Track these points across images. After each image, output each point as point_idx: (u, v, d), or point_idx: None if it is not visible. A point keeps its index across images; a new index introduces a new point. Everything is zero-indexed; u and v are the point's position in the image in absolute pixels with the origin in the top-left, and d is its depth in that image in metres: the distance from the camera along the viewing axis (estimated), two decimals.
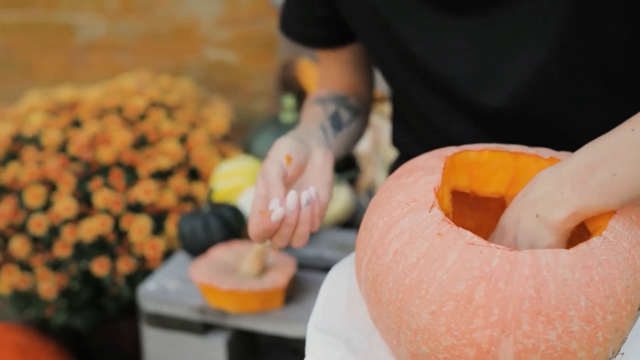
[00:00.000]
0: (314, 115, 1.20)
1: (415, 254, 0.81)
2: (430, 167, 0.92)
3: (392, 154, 2.00)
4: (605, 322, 0.76)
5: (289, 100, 2.15)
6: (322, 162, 1.06)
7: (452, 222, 0.82)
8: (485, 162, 0.97)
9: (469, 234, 0.80)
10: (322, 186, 1.04)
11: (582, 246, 0.79)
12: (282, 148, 1.03)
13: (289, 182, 1.02)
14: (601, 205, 0.83)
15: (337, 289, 1.05)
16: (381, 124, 2.06)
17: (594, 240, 0.80)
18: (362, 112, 1.30)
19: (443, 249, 0.80)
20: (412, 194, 0.87)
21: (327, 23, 1.21)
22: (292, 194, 0.98)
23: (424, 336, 0.80)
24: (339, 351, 0.93)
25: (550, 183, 0.86)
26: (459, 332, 0.77)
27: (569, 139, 1.03)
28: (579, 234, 0.93)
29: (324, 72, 1.32)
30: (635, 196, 0.84)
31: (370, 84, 1.35)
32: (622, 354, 0.84)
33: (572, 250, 0.78)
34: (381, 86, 2.01)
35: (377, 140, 2.07)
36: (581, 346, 0.75)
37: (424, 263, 0.80)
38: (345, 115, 1.23)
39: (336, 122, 1.20)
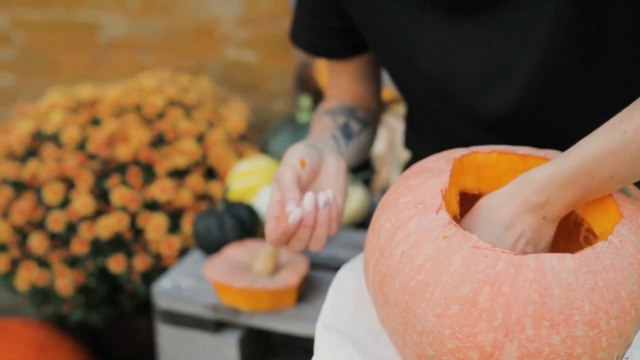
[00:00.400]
0: (324, 126, 1.20)
1: (421, 256, 0.81)
2: (438, 169, 0.92)
3: (406, 154, 2.00)
4: (609, 327, 0.76)
5: (305, 100, 2.15)
6: (335, 168, 1.06)
7: (458, 225, 0.82)
8: (494, 164, 0.97)
9: (474, 237, 0.80)
10: (337, 192, 1.04)
11: (587, 251, 0.79)
12: (296, 153, 1.03)
13: (303, 187, 1.02)
14: (595, 197, 0.88)
15: (345, 289, 1.05)
16: (396, 124, 2.06)
17: (599, 245, 0.80)
18: (370, 123, 1.29)
19: (449, 252, 0.80)
20: (420, 196, 0.88)
21: (338, 33, 1.21)
22: (309, 195, 0.98)
23: (429, 338, 0.80)
24: (347, 350, 0.93)
25: (550, 189, 0.87)
26: (464, 335, 0.77)
27: (574, 139, 1.03)
28: (586, 237, 0.93)
29: (333, 83, 1.31)
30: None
31: (378, 95, 1.34)
32: (627, 358, 0.85)
33: (577, 254, 0.78)
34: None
35: (392, 140, 2.07)
36: (585, 351, 0.75)
37: (430, 266, 0.80)
38: (355, 126, 1.23)
39: (347, 132, 1.20)
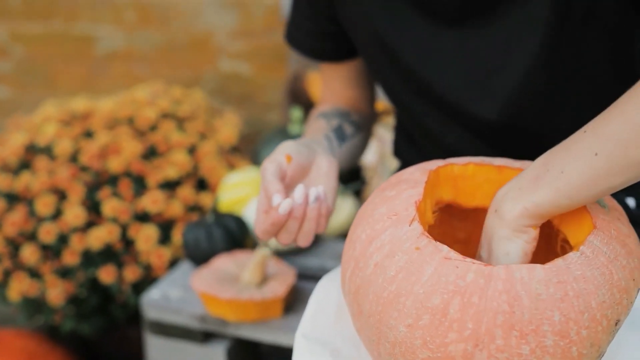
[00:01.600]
0: (318, 127, 1.20)
1: (394, 267, 0.81)
2: (414, 180, 0.92)
3: (396, 163, 2.00)
4: (580, 337, 0.76)
5: (297, 112, 2.16)
6: (327, 168, 1.04)
7: (430, 237, 0.82)
8: (470, 175, 0.97)
9: (445, 248, 0.80)
10: (328, 191, 1.03)
11: (557, 261, 0.79)
12: (284, 149, 1.02)
13: (290, 182, 1.01)
14: (552, 203, 0.83)
15: (326, 299, 1.05)
16: (387, 136, 2.06)
17: (570, 255, 0.79)
18: (364, 127, 1.30)
19: (420, 263, 0.80)
20: (394, 207, 0.88)
21: (333, 36, 1.22)
22: (299, 188, 0.97)
23: (401, 349, 0.80)
24: (325, 359, 0.93)
25: (513, 181, 0.87)
26: (435, 345, 0.77)
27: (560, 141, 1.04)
28: (562, 247, 0.93)
29: (327, 86, 1.32)
30: (584, 195, 0.83)
31: (372, 99, 1.35)
32: None
33: (548, 265, 0.78)
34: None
35: (382, 151, 2.07)
36: None
37: (402, 277, 0.80)
38: (348, 129, 1.23)
39: (340, 135, 1.20)
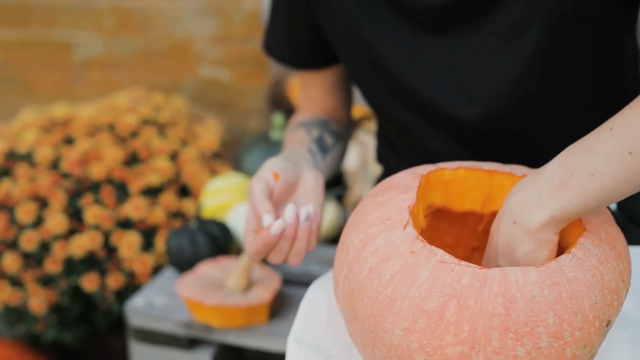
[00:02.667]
0: (299, 139, 1.20)
1: (389, 271, 0.81)
2: (405, 185, 0.92)
3: (378, 169, 2.01)
4: (574, 338, 0.77)
5: (278, 118, 2.16)
6: (313, 183, 1.04)
7: (425, 241, 0.83)
8: (461, 180, 0.98)
9: (440, 252, 0.81)
10: (316, 207, 1.03)
11: (550, 264, 0.79)
12: (270, 167, 1.02)
13: (278, 200, 1.01)
14: (580, 208, 0.81)
15: (317, 303, 1.05)
16: (368, 140, 2.07)
17: (563, 258, 0.80)
18: (343, 136, 1.30)
19: (415, 267, 0.80)
20: (387, 212, 0.88)
21: (312, 45, 1.22)
22: (290, 207, 0.97)
23: (397, 352, 0.80)
24: None
25: (528, 188, 0.83)
26: (431, 348, 0.77)
27: (545, 152, 1.04)
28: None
29: (305, 94, 1.31)
30: (615, 197, 0.81)
31: (349, 107, 1.35)
32: None
33: (541, 267, 0.79)
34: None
35: (364, 156, 2.08)
36: None
37: (398, 280, 0.80)
38: (329, 139, 1.23)
39: (322, 146, 1.20)
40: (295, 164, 1.06)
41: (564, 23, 0.96)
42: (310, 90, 1.30)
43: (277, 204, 1.02)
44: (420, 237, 0.83)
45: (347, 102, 1.34)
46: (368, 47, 1.09)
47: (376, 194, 0.94)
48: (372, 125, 2.11)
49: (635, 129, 0.79)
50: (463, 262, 0.79)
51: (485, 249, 0.94)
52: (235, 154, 2.38)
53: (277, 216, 0.98)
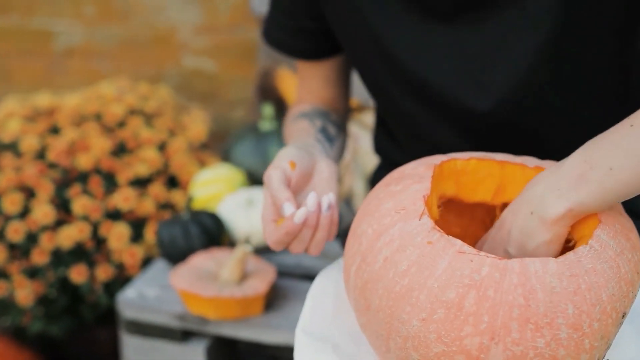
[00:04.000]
0: (304, 129, 1.19)
1: (405, 261, 0.81)
2: (419, 175, 0.92)
3: (370, 162, 2.01)
4: (592, 330, 0.77)
5: (268, 109, 2.15)
6: (328, 173, 1.03)
7: (442, 231, 0.83)
8: (472, 170, 0.97)
9: (459, 242, 0.81)
10: None
11: (569, 255, 0.80)
12: (286, 156, 1.01)
13: (295, 189, 1.00)
14: (598, 202, 0.83)
15: (324, 295, 1.05)
16: (359, 132, 2.07)
17: (581, 249, 0.81)
18: (343, 127, 1.29)
19: (433, 257, 0.80)
20: (402, 202, 0.88)
21: (313, 34, 1.21)
22: (312, 195, 0.96)
23: (414, 343, 0.80)
24: (328, 355, 0.93)
25: (549, 180, 0.85)
26: (449, 339, 0.77)
27: (553, 145, 1.05)
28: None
29: (304, 85, 1.31)
30: (633, 192, 0.83)
31: (347, 99, 1.34)
32: None
33: (560, 258, 0.79)
34: (358, 95, 2.02)
35: (355, 149, 2.08)
36: (568, 353, 0.76)
37: (415, 271, 0.80)
38: (332, 130, 1.22)
39: (327, 136, 1.19)
40: (309, 153, 1.05)
41: (579, 12, 0.96)
42: (310, 81, 1.29)
43: (294, 192, 1.00)
44: (437, 227, 0.83)
45: (346, 94, 1.33)
46: (375, 35, 1.08)
47: (389, 184, 0.93)
48: (362, 117, 2.11)
49: None
50: (482, 253, 0.79)
51: (489, 233, 0.95)
52: (221, 144, 2.37)
53: (297, 205, 0.97)
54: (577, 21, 0.96)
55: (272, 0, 1.23)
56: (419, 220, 0.84)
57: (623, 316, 0.82)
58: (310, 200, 0.95)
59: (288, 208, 0.94)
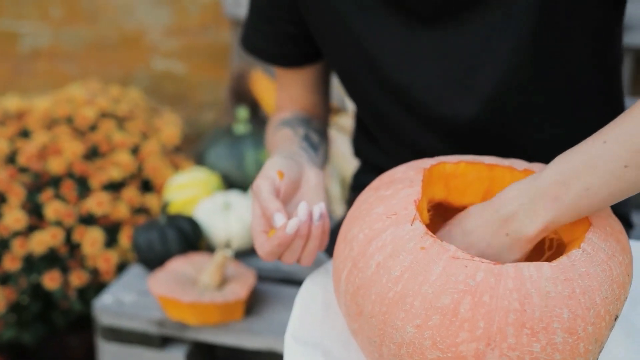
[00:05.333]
0: (288, 137, 1.19)
1: (399, 267, 0.81)
2: (409, 179, 0.92)
3: (346, 165, 2.01)
4: (587, 334, 0.78)
5: (242, 112, 2.14)
6: (316, 181, 1.03)
7: (434, 236, 0.83)
8: (461, 173, 0.98)
9: (452, 247, 0.81)
10: None
11: (563, 259, 0.80)
12: (274, 165, 1.00)
13: (284, 199, 1.00)
14: (572, 218, 0.85)
15: (312, 300, 1.04)
16: (335, 135, 2.07)
17: (574, 253, 0.81)
18: (325, 134, 1.29)
19: (427, 263, 0.80)
20: (393, 206, 0.87)
21: (292, 40, 1.21)
22: (303, 205, 0.95)
23: (408, 350, 0.80)
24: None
25: (521, 200, 0.86)
26: (445, 345, 0.77)
27: (538, 147, 1.05)
28: (549, 243, 0.95)
29: (284, 92, 1.30)
30: (606, 206, 0.85)
31: (327, 105, 1.34)
32: None
33: (554, 263, 0.79)
34: (334, 98, 2.02)
35: (331, 152, 2.08)
36: (564, 357, 0.77)
37: (408, 277, 0.80)
38: (314, 137, 1.22)
39: (311, 144, 1.18)
40: (297, 161, 1.05)
41: (556, 12, 0.97)
42: (289, 88, 1.29)
43: (283, 202, 1.00)
44: (430, 233, 0.83)
45: (326, 99, 1.33)
46: (356, 40, 1.08)
47: (379, 188, 0.93)
48: (339, 121, 2.11)
49: (629, 142, 0.82)
50: (476, 258, 0.80)
51: (447, 224, 0.95)
52: (193, 148, 2.36)
53: (287, 215, 0.96)
54: (555, 21, 0.98)
55: (250, 6, 1.22)
56: (411, 225, 0.84)
57: (615, 319, 0.83)
58: (302, 210, 0.95)
59: (279, 219, 0.94)
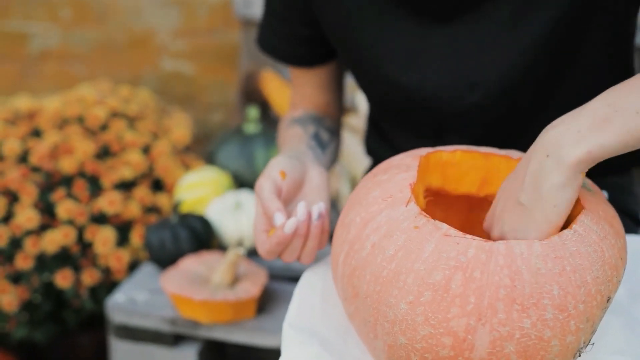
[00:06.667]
0: (296, 136, 1.22)
1: (392, 246, 0.85)
2: (406, 165, 0.96)
3: (356, 165, 2.04)
4: (577, 311, 0.81)
5: (253, 112, 2.18)
6: (318, 180, 1.07)
7: (428, 216, 0.86)
8: (458, 162, 1.02)
9: (445, 226, 0.85)
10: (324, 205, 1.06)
11: (553, 238, 0.84)
12: (276, 165, 1.04)
13: (286, 198, 1.04)
14: (620, 145, 0.82)
15: (311, 290, 1.08)
16: (345, 135, 2.10)
17: (565, 233, 0.84)
18: (337, 133, 1.32)
19: (420, 241, 0.84)
20: (388, 190, 0.92)
21: (307, 41, 1.24)
22: (302, 205, 0.99)
23: (401, 327, 0.83)
24: (314, 348, 0.96)
25: (568, 123, 0.84)
26: (437, 321, 0.81)
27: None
28: None
29: (298, 91, 1.34)
30: None
31: (340, 103, 1.37)
32: (593, 344, 0.89)
33: (545, 241, 0.83)
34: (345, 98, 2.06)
35: (341, 151, 2.11)
36: (554, 334, 0.80)
37: (402, 255, 0.84)
38: (325, 135, 1.25)
39: (320, 142, 1.22)
40: (300, 161, 1.09)
41: (570, 10, 1.00)
42: (303, 87, 1.33)
43: (285, 202, 1.04)
44: (424, 213, 0.87)
45: (339, 98, 1.36)
46: (369, 40, 1.12)
47: (376, 174, 0.97)
48: (348, 120, 2.15)
49: None
50: (468, 235, 0.83)
51: (504, 183, 0.94)
52: (203, 147, 2.40)
53: (287, 214, 1.01)
54: (569, 18, 1.00)
55: (266, 7, 1.26)
56: (406, 206, 0.88)
57: (608, 300, 0.86)
58: (300, 209, 0.99)
59: (279, 218, 0.98)
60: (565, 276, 0.81)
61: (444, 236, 0.84)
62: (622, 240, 0.90)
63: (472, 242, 0.83)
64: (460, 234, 0.84)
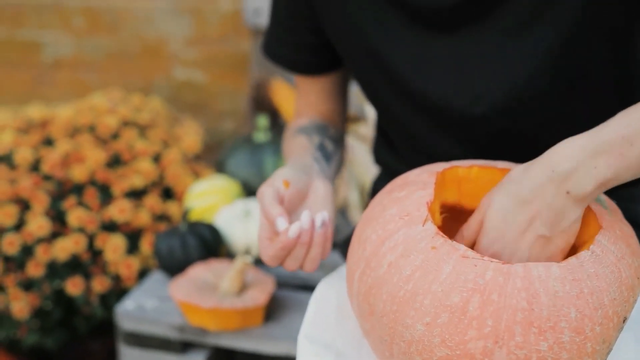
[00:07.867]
0: (302, 146, 1.21)
1: (409, 266, 0.83)
2: (422, 182, 0.94)
3: (365, 173, 2.03)
4: (594, 334, 0.79)
5: (263, 120, 2.18)
6: (323, 192, 1.05)
7: (445, 236, 0.84)
8: (474, 177, 1.00)
9: (462, 247, 0.83)
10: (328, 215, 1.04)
11: (571, 259, 0.82)
12: (281, 175, 1.03)
13: (289, 207, 1.02)
14: (630, 177, 0.83)
15: (326, 302, 1.07)
16: (354, 144, 2.09)
17: (583, 254, 0.82)
18: (341, 143, 1.31)
19: (437, 262, 0.82)
20: (406, 208, 0.90)
21: (312, 49, 1.23)
22: (306, 213, 0.97)
23: (418, 347, 0.82)
24: None
25: (581, 156, 0.83)
26: (453, 343, 0.79)
27: (547, 148, 1.07)
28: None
29: (303, 99, 1.33)
30: None
31: (345, 112, 1.36)
32: None
33: (562, 263, 0.81)
34: (353, 106, 2.05)
35: (350, 160, 2.10)
36: (571, 357, 0.78)
37: (419, 276, 0.82)
38: (329, 146, 1.24)
39: (325, 153, 1.21)
40: (306, 172, 1.07)
41: (576, 22, 0.98)
42: (309, 95, 1.31)
43: (289, 212, 1.02)
44: (441, 233, 0.85)
45: (344, 106, 1.35)
46: (374, 49, 1.10)
47: (392, 190, 0.95)
48: (356, 128, 2.13)
49: None
50: (486, 257, 0.81)
51: (489, 195, 0.93)
52: (213, 156, 2.39)
53: (290, 222, 0.99)
54: (573, 30, 0.99)
55: (271, 15, 1.24)
56: (423, 226, 0.86)
57: (624, 320, 0.84)
58: (304, 217, 0.97)
59: (281, 223, 0.96)
60: (582, 299, 0.79)
61: (462, 258, 0.82)
62: (638, 259, 0.88)
63: (490, 265, 0.81)
64: (477, 255, 0.82)
